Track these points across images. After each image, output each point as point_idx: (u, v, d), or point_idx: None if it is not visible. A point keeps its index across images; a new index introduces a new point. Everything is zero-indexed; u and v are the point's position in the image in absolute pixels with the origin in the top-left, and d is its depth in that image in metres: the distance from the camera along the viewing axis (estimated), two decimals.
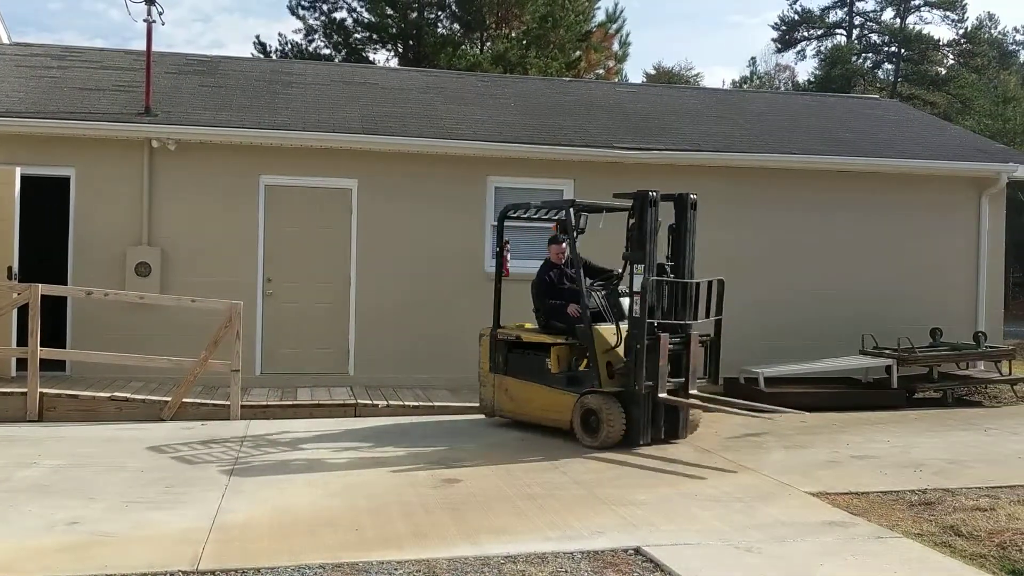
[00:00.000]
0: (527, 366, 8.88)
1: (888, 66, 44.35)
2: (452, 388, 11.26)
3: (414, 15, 27.23)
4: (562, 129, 12.66)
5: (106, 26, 77.41)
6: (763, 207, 12.48)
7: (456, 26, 27.89)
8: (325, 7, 28.32)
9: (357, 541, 5.37)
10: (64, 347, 10.50)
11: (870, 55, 44.67)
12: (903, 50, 42.69)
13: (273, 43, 29.38)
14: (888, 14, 44.82)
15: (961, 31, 43.87)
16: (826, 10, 45.74)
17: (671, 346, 8.25)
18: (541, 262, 9.36)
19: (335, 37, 28.46)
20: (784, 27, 46.66)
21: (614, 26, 30.98)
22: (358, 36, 28.46)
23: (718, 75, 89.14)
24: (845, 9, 45.54)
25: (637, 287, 8.16)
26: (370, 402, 10.14)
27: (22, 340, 9.73)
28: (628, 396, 8.11)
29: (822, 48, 45.57)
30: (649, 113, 14.22)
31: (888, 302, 12.60)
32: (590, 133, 12.59)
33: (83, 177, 10.96)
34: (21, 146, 10.70)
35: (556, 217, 9.23)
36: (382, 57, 29.06)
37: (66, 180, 10.97)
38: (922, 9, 44.12)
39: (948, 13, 43.74)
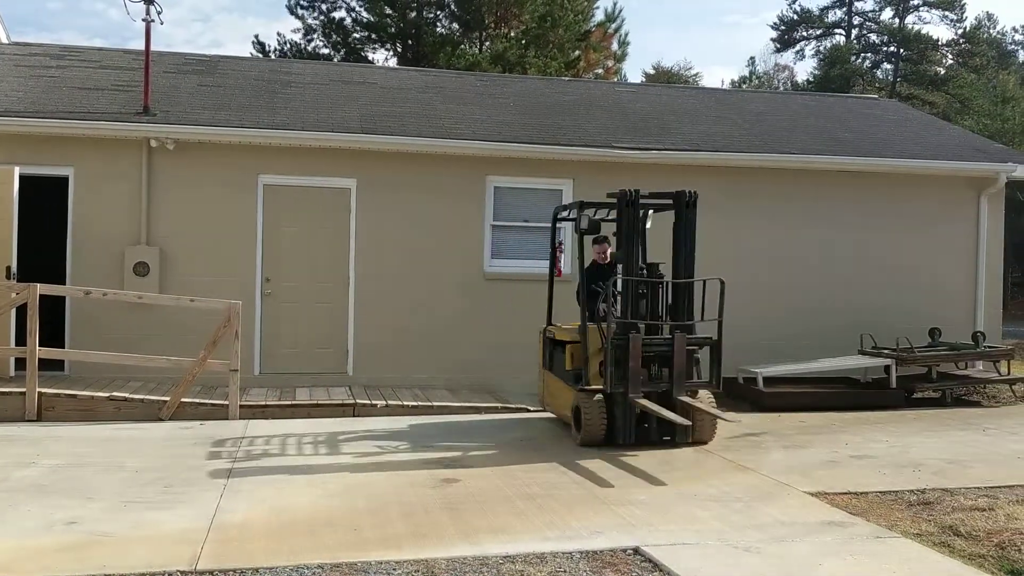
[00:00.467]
0: (558, 363, 9.09)
1: (887, 66, 44.35)
2: (451, 388, 11.26)
3: (413, 14, 27.22)
4: (561, 129, 12.66)
5: (105, 26, 77.40)
6: (762, 207, 12.48)
7: (455, 26, 27.88)
8: (324, 7, 28.33)
9: (356, 541, 5.37)
10: (63, 347, 10.49)
11: (869, 55, 44.66)
12: (902, 50, 42.69)
13: (272, 43, 29.47)
14: (887, 14, 44.86)
15: (960, 31, 43.88)
16: (825, 10, 45.77)
17: (660, 348, 8.21)
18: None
19: (334, 37, 28.44)
20: (783, 27, 46.66)
21: (613, 26, 30.99)
22: (357, 36, 28.45)
23: (717, 75, 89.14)
24: (844, 9, 45.53)
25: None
26: (369, 402, 10.13)
27: (21, 340, 9.72)
28: (615, 395, 8.15)
29: (821, 48, 45.58)
30: (648, 113, 14.21)
31: (887, 302, 12.60)
32: (589, 133, 12.59)
33: (82, 177, 10.95)
34: (20, 145, 10.69)
35: (609, 217, 8.98)
36: (381, 57, 29.07)
37: (65, 180, 10.97)
38: (921, 9, 44.11)
39: (947, 13, 43.74)
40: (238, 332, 9.64)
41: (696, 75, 51.26)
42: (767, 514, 6.10)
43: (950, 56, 43.83)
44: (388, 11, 27.28)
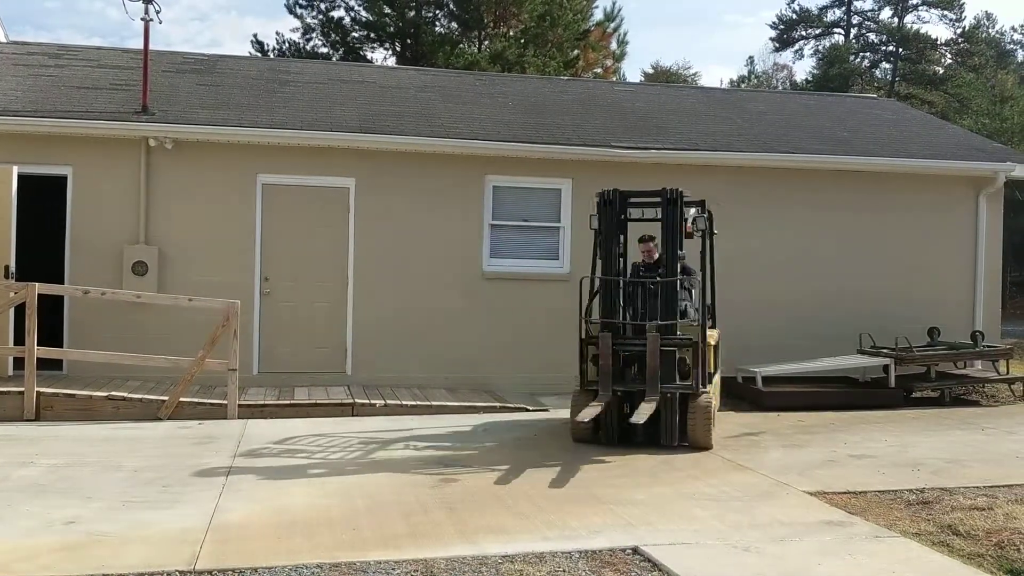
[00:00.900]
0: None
1: (886, 65, 44.34)
2: (450, 388, 11.25)
3: (412, 14, 27.20)
4: (560, 128, 12.66)
5: (103, 25, 77.36)
6: (760, 206, 12.47)
7: (454, 25, 27.86)
8: (323, 6, 28.30)
9: (355, 541, 5.37)
10: (61, 346, 10.48)
11: (868, 54, 44.65)
12: (901, 49, 42.68)
13: (271, 42, 29.45)
14: (886, 13, 44.82)
15: (959, 30, 43.86)
16: (824, 9, 45.73)
17: (637, 349, 8.15)
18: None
19: (333, 36, 28.42)
20: (782, 26, 46.63)
21: (612, 25, 31.02)
22: (356, 35, 28.42)
23: (716, 74, 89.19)
24: (843, 8, 45.51)
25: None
26: (368, 401, 10.12)
27: (19, 339, 9.70)
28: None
29: (820, 47, 45.55)
30: (647, 112, 14.21)
31: (886, 301, 12.60)
32: (588, 132, 12.59)
33: (80, 176, 10.94)
34: (18, 145, 10.67)
35: (658, 219, 8.86)
36: (380, 56, 29.06)
37: (63, 179, 10.95)
38: (920, 8, 44.09)
39: (946, 12, 43.72)
40: (237, 331, 9.63)
41: (695, 74, 51.33)
42: (766, 513, 6.10)
43: (949, 55, 43.82)
44: (387, 10, 27.25)
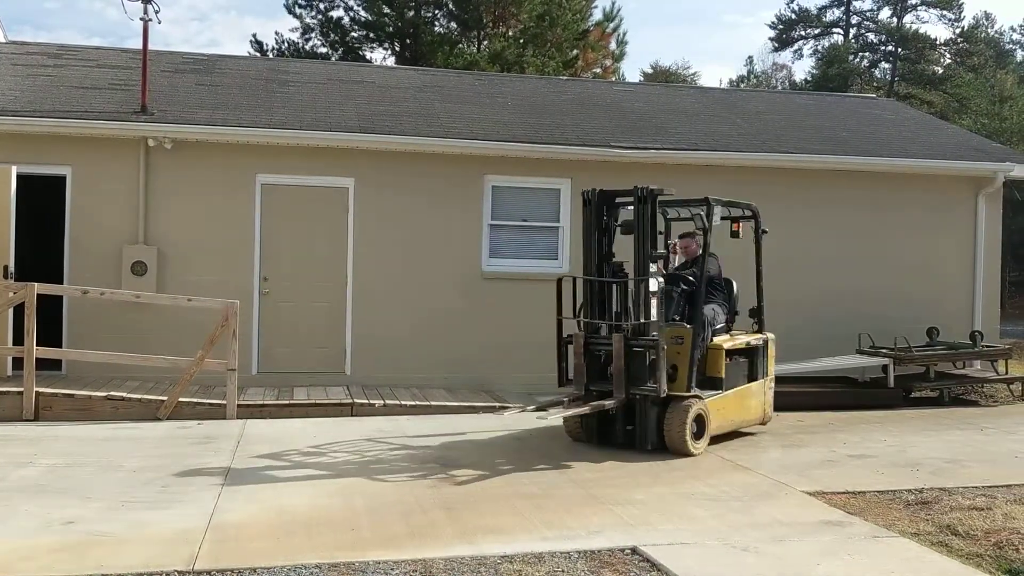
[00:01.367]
0: None
1: (885, 65, 44.35)
2: (449, 388, 11.25)
3: (411, 14, 27.18)
4: (559, 128, 12.66)
5: (102, 25, 77.34)
6: (759, 206, 12.40)
7: (453, 25, 27.85)
8: (322, 5, 28.27)
9: (354, 541, 5.37)
10: (60, 346, 10.47)
11: (867, 54, 44.65)
12: (900, 49, 42.68)
13: (270, 42, 29.41)
14: (885, 13, 44.82)
15: (958, 30, 43.86)
16: (823, 9, 45.73)
17: (608, 349, 8.02)
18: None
19: (332, 36, 28.40)
20: (781, 26, 46.63)
21: (611, 25, 30.97)
22: (355, 35, 28.40)
23: (715, 74, 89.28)
24: (842, 8, 45.50)
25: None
26: (367, 401, 10.12)
27: (18, 339, 9.70)
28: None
29: (819, 47, 45.58)
30: (646, 112, 14.21)
31: (885, 301, 12.60)
32: (587, 132, 12.59)
33: (79, 176, 10.93)
34: (17, 145, 10.66)
35: (682, 217, 8.81)
36: (379, 56, 29.04)
37: (62, 179, 10.94)
38: (919, 8, 44.08)
39: (945, 12, 43.70)
40: (236, 331, 9.63)
41: (694, 74, 51.37)
42: (765, 513, 6.10)
43: (948, 55, 43.82)
44: (386, 10, 27.24)
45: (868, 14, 45.38)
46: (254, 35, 52.10)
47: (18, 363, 9.77)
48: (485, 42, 27.31)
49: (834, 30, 46.05)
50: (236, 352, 9.61)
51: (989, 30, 46.74)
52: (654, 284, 7.89)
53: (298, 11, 28.36)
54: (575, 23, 27.66)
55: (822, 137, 13.74)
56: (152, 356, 9.84)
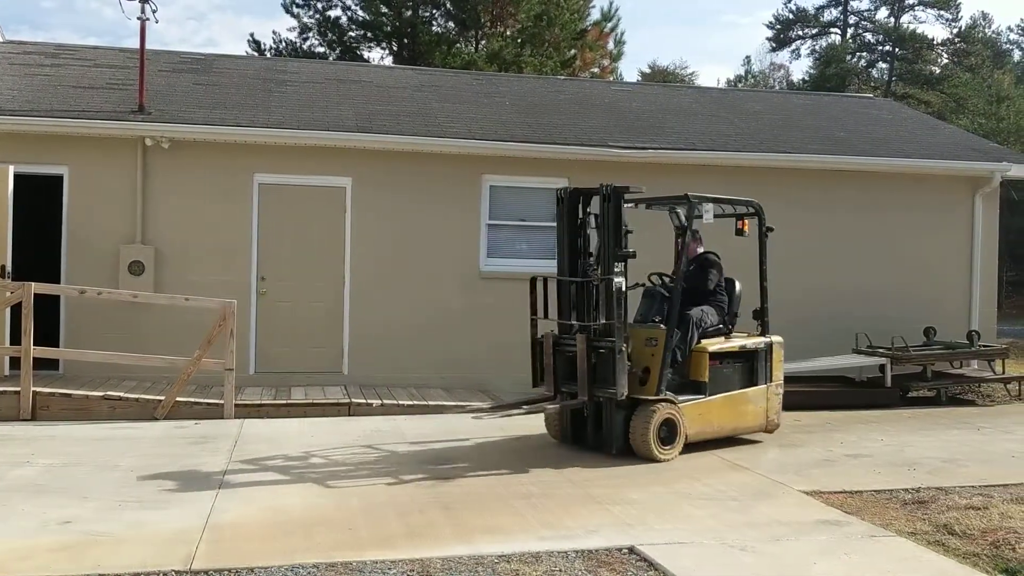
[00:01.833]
0: None
1: (882, 65, 44.37)
2: (446, 387, 11.25)
3: (408, 13, 27.18)
4: (557, 128, 12.66)
5: (100, 24, 77.25)
6: None
7: (451, 24, 27.86)
8: (319, 5, 28.27)
9: (351, 541, 5.37)
10: (57, 346, 10.45)
11: (864, 54, 44.66)
12: (897, 49, 42.71)
13: (267, 41, 29.31)
14: (882, 13, 44.83)
15: (955, 30, 43.91)
16: (820, 9, 45.74)
17: (575, 349, 7.79)
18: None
19: (329, 35, 28.40)
20: (779, 26, 46.64)
21: (609, 24, 31.01)
22: (352, 34, 28.40)
23: (713, 74, 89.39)
24: (839, 8, 45.55)
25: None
26: (364, 401, 10.12)
27: (15, 339, 9.69)
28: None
29: (816, 47, 45.61)
30: (644, 112, 14.22)
31: (882, 301, 12.61)
32: (585, 132, 12.59)
33: (76, 175, 10.92)
34: (14, 144, 10.65)
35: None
36: (376, 55, 29.06)
37: (59, 178, 10.93)
38: (916, 8, 44.11)
39: (942, 12, 43.74)
40: (233, 331, 9.62)
41: (692, 74, 51.35)
42: (762, 513, 6.11)
43: (945, 55, 43.88)
44: (384, 10, 27.24)
45: (865, 14, 45.43)
46: (251, 35, 52.07)
47: (15, 363, 9.77)
48: (483, 42, 27.31)
49: (831, 30, 46.08)
50: (234, 352, 9.61)
51: (986, 30, 46.76)
52: (621, 283, 7.64)
53: (296, 10, 28.38)
54: (573, 23, 27.67)
55: (819, 137, 13.75)
56: (149, 356, 9.83)
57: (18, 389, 9.31)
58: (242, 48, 52.85)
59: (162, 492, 6.38)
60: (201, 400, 9.72)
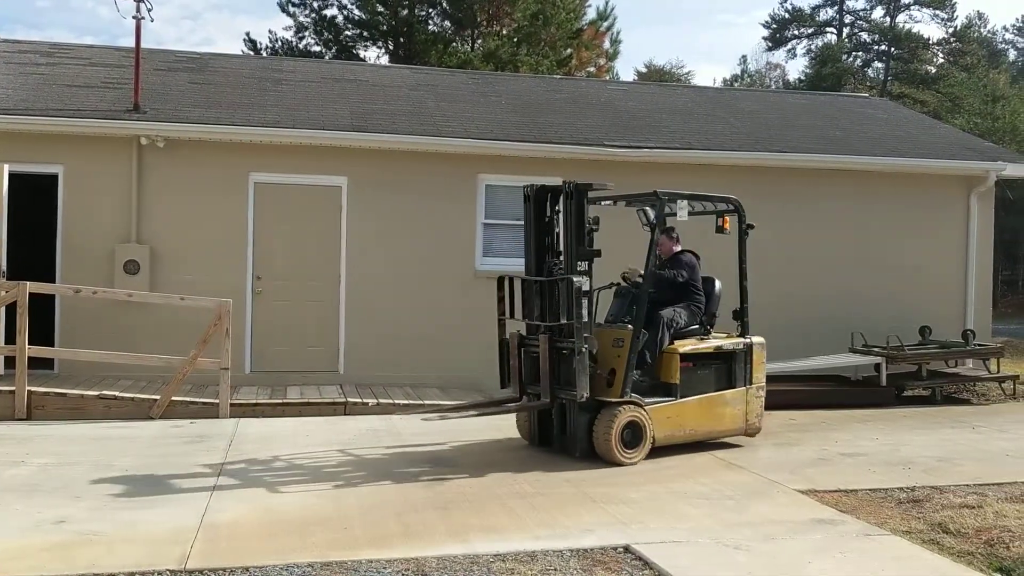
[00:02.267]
0: None
1: (878, 64, 44.44)
2: (442, 387, 11.24)
3: (405, 12, 27.19)
4: (553, 127, 12.66)
5: (95, 23, 77.10)
6: (753, 205, 12.35)
7: (447, 23, 27.87)
8: (315, 4, 28.26)
9: (346, 540, 5.36)
10: (52, 345, 10.42)
11: (860, 54, 44.73)
12: (893, 49, 42.77)
13: (263, 40, 29.30)
14: (878, 13, 44.91)
15: (951, 30, 44.02)
16: (816, 9, 45.78)
17: (534, 350, 7.71)
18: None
19: (325, 34, 28.39)
20: (775, 25, 46.68)
21: (605, 24, 31.08)
22: (348, 33, 28.40)
23: (709, 73, 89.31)
24: (835, 8, 45.60)
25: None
26: (360, 400, 10.11)
27: (10, 338, 9.67)
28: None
29: (812, 47, 45.64)
30: (640, 111, 14.22)
31: (877, 300, 12.63)
32: (581, 131, 12.59)
33: (72, 174, 10.90)
34: (9, 143, 10.62)
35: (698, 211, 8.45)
36: (372, 54, 29.06)
37: (54, 177, 10.91)
38: (912, 8, 44.21)
39: (938, 12, 43.84)
40: (229, 330, 9.61)
41: (688, 73, 51.29)
42: (757, 512, 6.11)
43: (941, 55, 43.97)
44: (380, 9, 27.24)
45: (861, 14, 45.50)
46: (247, 34, 52.12)
47: (10, 362, 9.74)
48: (479, 41, 27.34)
49: (827, 29, 46.12)
50: (229, 351, 9.59)
51: (982, 30, 46.92)
52: (582, 283, 7.41)
53: (292, 9, 28.38)
54: (569, 22, 27.70)
55: (815, 136, 13.77)
56: (145, 355, 9.81)
57: (13, 388, 9.28)
58: (238, 47, 52.75)
59: (157, 491, 6.37)
60: (197, 399, 9.71)
